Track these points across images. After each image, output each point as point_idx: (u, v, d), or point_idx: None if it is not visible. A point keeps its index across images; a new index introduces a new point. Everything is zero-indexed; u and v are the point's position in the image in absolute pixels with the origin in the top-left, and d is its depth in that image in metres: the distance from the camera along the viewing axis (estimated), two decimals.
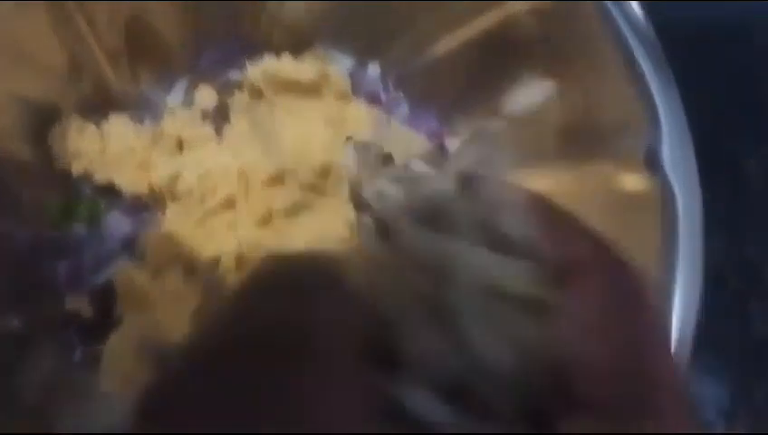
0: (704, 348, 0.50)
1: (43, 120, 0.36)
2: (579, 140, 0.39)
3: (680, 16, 0.42)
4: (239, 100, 0.37)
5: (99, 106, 0.37)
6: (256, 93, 0.36)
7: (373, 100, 0.41)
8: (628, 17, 0.36)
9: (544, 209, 0.23)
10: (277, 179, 0.34)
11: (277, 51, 0.40)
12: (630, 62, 0.35)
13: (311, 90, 0.35)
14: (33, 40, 0.34)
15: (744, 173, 0.52)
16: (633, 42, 0.35)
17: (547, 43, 0.38)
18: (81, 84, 0.37)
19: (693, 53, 0.49)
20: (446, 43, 0.41)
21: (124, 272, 0.33)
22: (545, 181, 0.41)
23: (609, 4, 0.35)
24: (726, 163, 0.51)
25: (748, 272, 0.51)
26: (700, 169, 0.49)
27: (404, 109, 0.42)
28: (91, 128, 0.36)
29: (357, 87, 0.41)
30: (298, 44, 0.41)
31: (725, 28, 0.49)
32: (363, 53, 0.42)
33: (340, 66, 0.41)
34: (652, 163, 0.35)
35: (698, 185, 0.35)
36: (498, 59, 0.40)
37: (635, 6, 0.36)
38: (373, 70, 0.41)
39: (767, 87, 0.52)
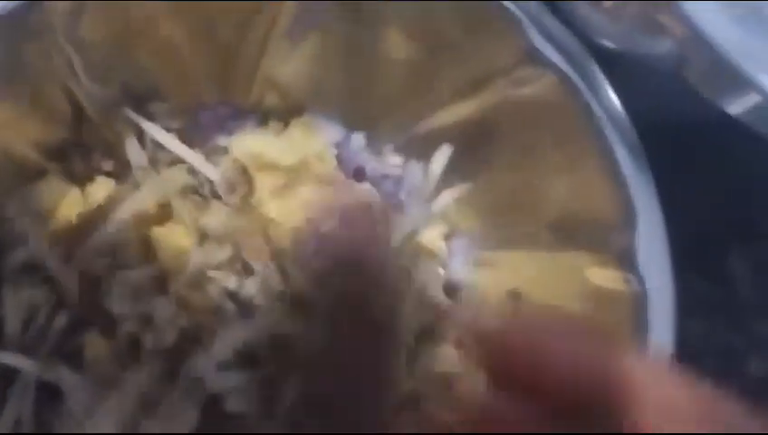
0: None
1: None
2: (555, 230, 0.40)
3: (662, 112, 0.42)
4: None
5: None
6: (240, 169, 0.37)
7: (358, 173, 0.42)
8: (608, 111, 0.36)
9: None
10: None
11: (266, 116, 0.41)
12: (609, 157, 0.36)
13: (292, 172, 0.36)
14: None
15: (729, 265, 0.52)
16: (612, 136, 0.36)
17: (526, 133, 0.38)
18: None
19: (676, 150, 0.49)
20: (431, 123, 0.42)
21: None
22: (523, 266, 0.42)
23: (588, 96, 0.36)
24: (711, 256, 0.51)
25: (728, 360, 0.51)
26: (683, 263, 0.50)
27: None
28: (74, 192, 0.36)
29: (342, 158, 0.41)
30: (288, 111, 0.42)
31: (710, 124, 0.50)
32: (352, 124, 0.42)
33: (327, 135, 0.41)
34: (627, 261, 0.35)
35: (671, 284, 0.35)
36: (475, 146, 0.41)
37: (614, 100, 0.36)
38: (357, 141, 0.41)
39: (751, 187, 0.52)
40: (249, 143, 0.37)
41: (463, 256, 0.43)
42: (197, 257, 0.34)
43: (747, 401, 0.48)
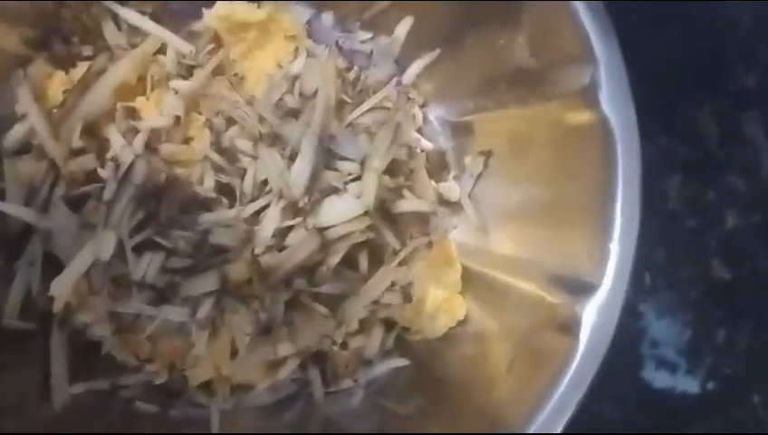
0: (662, 289, 0.53)
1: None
2: (526, 82, 0.41)
3: None
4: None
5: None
6: (216, 39, 0.39)
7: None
8: None
9: None
10: None
11: None
12: (568, 6, 0.37)
13: (262, 31, 0.37)
14: None
15: (700, 120, 0.53)
16: None
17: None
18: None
19: (648, 8, 0.51)
20: None
21: None
22: (500, 121, 0.44)
23: None
24: (683, 113, 0.53)
25: (707, 214, 0.53)
26: (659, 117, 0.52)
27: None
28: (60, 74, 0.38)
29: (314, 35, 0.43)
30: None
31: None
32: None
33: (297, 15, 0.42)
34: (590, 100, 0.37)
35: (634, 116, 0.37)
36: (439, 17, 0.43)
37: None
38: (327, 18, 0.43)
39: (718, 46, 0.53)
40: (220, 9, 0.38)
41: (437, 123, 0.45)
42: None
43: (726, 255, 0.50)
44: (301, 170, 0.34)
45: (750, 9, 0.54)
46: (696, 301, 0.52)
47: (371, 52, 0.44)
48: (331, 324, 0.36)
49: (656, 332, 0.52)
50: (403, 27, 0.43)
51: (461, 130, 0.46)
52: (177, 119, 0.36)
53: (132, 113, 0.36)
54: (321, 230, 0.34)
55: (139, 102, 0.37)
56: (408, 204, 0.38)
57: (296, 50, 0.39)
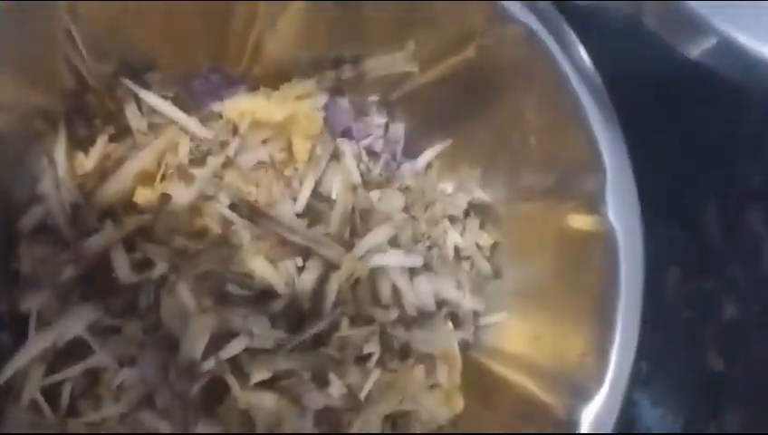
0: (657, 378, 0.53)
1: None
2: (536, 180, 0.42)
3: (635, 69, 0.44)
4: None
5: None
6: (232, 129, 0.40)
7: (345, 133, 0.44)
8: (578, 68, 0.38)
9: None
10: None
11: (256, 84, 0.44)
12: (578, 111, 0.38)
13: (281, 128, 0.38)
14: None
15: (703, 213, 0.54)
16: (581, 91, 0.38)
17: (501, 91, 0.41)
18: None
19: (649, 106, 0.52)
20: (412, 83, 0.44)
21: None
22: (508, 214, 0.45)
23: (558, 53, 0.38)
24: (686, 205, 0.54)
25: (704, 305, 0.54)
26: (660, 208, 0.53)
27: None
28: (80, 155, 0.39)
29: (331, 120, 0.44)
30: (277, 78, 0.44)
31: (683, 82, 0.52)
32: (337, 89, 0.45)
33: (314, 100, 0.43)
34: (597, 207, 0.38)
35: (639, 227, 0.38)
36: (455, 103, 0.43)
37: (584, 57, 0.38)
38: (342, 103, 0.44)
39: (725, 138, 0.54)
40: (241, 104, 0.39)
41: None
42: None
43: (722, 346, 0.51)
44: (307, 280, 0.35)
45: (759, 103, 0.55)
46: (690, 391, 0.53)
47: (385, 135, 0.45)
48: None
49: (649, 421, 0.53)
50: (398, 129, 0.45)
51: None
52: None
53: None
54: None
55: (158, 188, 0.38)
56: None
57: (313, 149, 0.39)
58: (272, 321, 0.35)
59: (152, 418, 0.34)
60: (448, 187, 0.45)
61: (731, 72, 0.33)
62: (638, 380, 0.52)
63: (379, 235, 0.37)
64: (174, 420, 0.34)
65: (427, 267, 0.40)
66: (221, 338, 0.34)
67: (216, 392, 0.35)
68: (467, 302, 0.41)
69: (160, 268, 0.36)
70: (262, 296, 0.36)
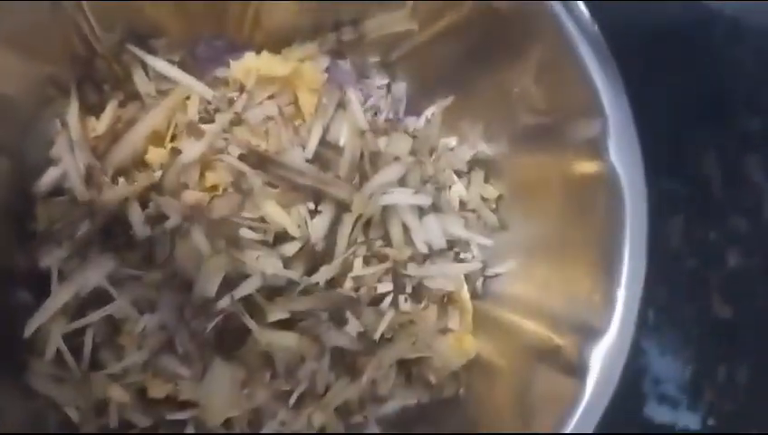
0: (664, 327, 0.54)
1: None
2: (539, 130, 0.43)
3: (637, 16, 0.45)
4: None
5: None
6: (240, 88, 0.41)
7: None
8: (578, 20, 0.39)
9: None
10: None
11: (258, 49, 0.44)
12: (577, 59, 0.39)
13: (286, 84, 0.39)
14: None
15: (703, 163, 0.55)
16: (581, 42, 0.39)
17: (501, 45, 0.42)
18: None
19: (651, 52, 0.53)
20: (412, 41, 0.45)
21: None
22: (512, 165, 0.45)
23: (555, 3, 0.38)
24: (687, 155, 0.55)
25: (708, 254, 0.55)
26: (662, 160, 0.54)
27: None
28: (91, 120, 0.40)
29: (333, 81, 0.44)
30: (277, 44, 0.45)
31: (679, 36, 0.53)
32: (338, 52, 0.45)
33: (316, 64, 0.44)
34: (599, 151, 0.39)
35: (642, 169, 0.39)
36: (456, 60, 0.44)
37: (582, 7, 0.39)
38: (344, 65, 0.45)
39: (722, 90, 0.55)
40: (245, 62, 0.40)
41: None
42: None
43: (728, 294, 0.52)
44: (320, 223, 0.36)
45: (754, 53, 0.55)
46: (698, 338, 0.54)
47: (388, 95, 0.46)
48: (354, 388, 0.37)
49: (658, 369, 0.53)
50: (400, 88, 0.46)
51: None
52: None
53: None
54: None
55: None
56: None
57: (319, 98, 0.40)
58: (286, 263, 0.36)
59: (173, 363, 0.35)
60: (451, 141, 0.46)
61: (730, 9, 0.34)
62: (646, 328, 0.53)
63: (388, 173, 0.38)
64: (193, 362, 0.35)
65: (435, 207, 0.41)
66: (236, 280, 0.35)
67: (238, 336, 0.36)
68: (476, 239, 0.41)
69: (174, 220, 0.37)
70: (276, 240, 0.37)
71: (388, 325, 0.38)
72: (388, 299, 0.38)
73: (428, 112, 0.46)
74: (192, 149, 0.38)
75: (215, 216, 0.36)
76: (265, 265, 0.35)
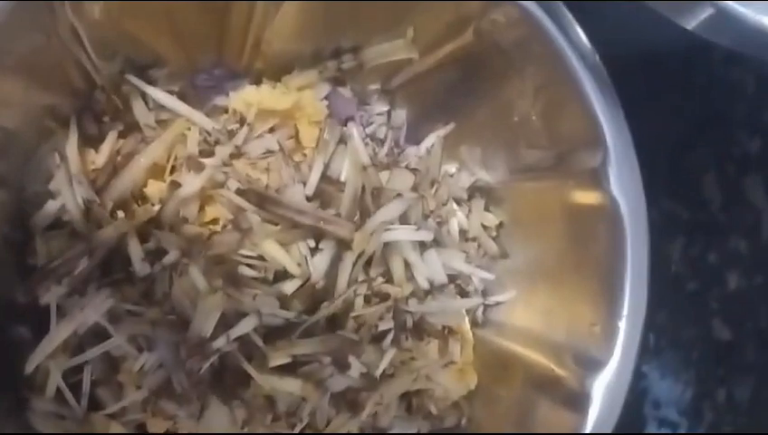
0: (665, 350, 0.54)
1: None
2: (540, 158, 0.43)
3: (636, 37, 0.45)
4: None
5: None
6: (239, 120, 0.41)
7: (348, 122, 0.45)
8: (576, 45, 0.39)
9: None
10: None
11: (258, 77, 0.44)
12: (577, 89, 0.39)
13: (287, 116, 0.39)
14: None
15: (703, 184, 0.55)
16: (579, 68, 0.39)
17: (501, 73, 0.41)
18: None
19: (650, 73, 0.53)
20: (413, 68, 0.45)
21: None
22: (513, 193, 0.46)
23: (555, 32, 0.38)
24: (686, 177, 0.55)
25: (709, 276, 0.55)
26: (662, 181, 0.54)
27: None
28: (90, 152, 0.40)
29: (334, 110, 0.44)
30: (278, 70, 0.45)
31: (679, 56, 0.53)
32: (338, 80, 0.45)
33: (316, 91, 0.44)
34: (600, 182, 0.39)
35: (643, 199, 0.39)
36: (456, 86, 0.44)
37: (581, 35, 0.39)
38: (345, 93, 0.45)
39: (722, 112, 0.55)
40: (245, 95, 0.40)
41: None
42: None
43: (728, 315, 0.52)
44: (320, 261, 0.36)
45: (754, 76, 0.55)
46: (698, 361, 0.54)
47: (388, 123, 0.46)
48: (355, 422, 0.37)
49: (658, 392, 0.54)
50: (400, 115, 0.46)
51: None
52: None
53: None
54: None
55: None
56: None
57: (321, 134, 0.40)
58: (286, 302, 0.36)
59: (170, 403, 0.35)
60: (451, 168, 0.46)
61: (727, 42, 0.34)
62: (647, 352, 0.53)
63: (390, 210, 0.38)
64: (191, 403, 0.35)
65: (436, 242, 0.41)
66: (233, 319, 0.35)
67: (239, 377, 0.36)
68: (477, 273, 0.41)
69: (172, 255, 0.36)
70: (276, 278, 0.37)
71: (389, 363, 0.38)
72: (390, 336, 0.38)
73: (428, 142, 0.46)
74: (191, 183, 0.37)
75: (213, 253, 0.36)
76: (262, 304, 0.35)
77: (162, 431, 0.37)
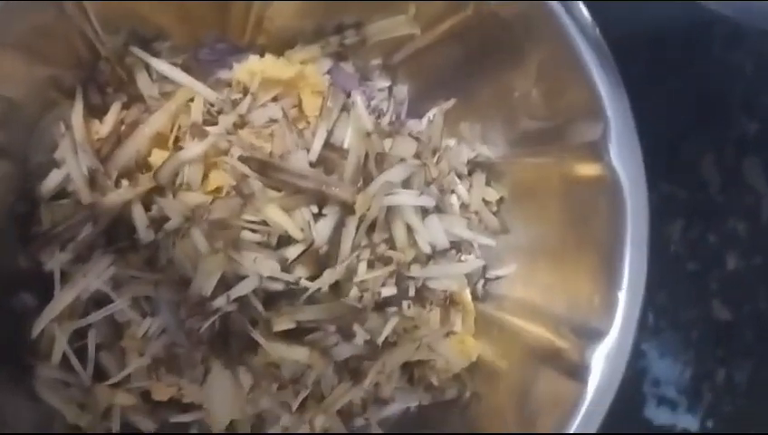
0: (664, 329, 0.54)
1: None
2: (540, 133, 0.43)
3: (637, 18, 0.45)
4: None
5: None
6: (244, 91, 0.41)
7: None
8: (579, 22, 0.39)
9: None
10: None
11: (261, 52, 0.44)
12: (578, 61, 0.39)
13: (290, 86, 0.39)
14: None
15: (702, 166, 0.55)
16: (582, 45, 0.39)
17: (503, 48, 0.42)
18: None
19: (651, 54, 0.53)
20: (414, 44, 0.45)
21: None
22: (513, 167, 0.46)
23: (556, 5, 0.38)
24: (686, 157, 0.55)
25: (708, 257, 0.55)
26: (661, 163, 0.54)
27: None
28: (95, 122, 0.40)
29: (335, 84, 0.44)
30: (280, 47, 0.45)
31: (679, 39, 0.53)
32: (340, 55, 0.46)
33: (318, 66, 0.44)
34: (600, 154, 0.39)
35: (642, 171, 0.39)
36: (457, 62, 0.44)
37: (583, 9, 0.39)
38: (347, 67, 0.45)
39: (722, 94, 0.56)
40: (249, 65, 0.40)
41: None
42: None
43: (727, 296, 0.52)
44: (324, 227, 0.36)
45: (753, 58, 0.56)
46: (697, 341, 0.54)
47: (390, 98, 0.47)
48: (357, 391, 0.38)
49: (658, 371, 0.54)
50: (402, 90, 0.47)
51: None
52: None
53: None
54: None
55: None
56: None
57: (324, 101, 0.40)
58: (288, 267, 0.36)
59: (174, 371, 0.35)
60: (452, 142, 0.46)
61: (730, 11, 0.34)
62: (647, 331, 0.54)
63: (393, 174, 0.38)
64: (194, 369, 0.35)
65: (438, 209, 0.41)
66: (235, 282, 0.35)
67: (244, 342, 0.36)
68: (479, 239, 0.42)
69: (175, 221, 0.37)
70: (280, 243, 0.37)
71: (392, 330, 0.38)
72: (393, 303, 0.39)
73: (430, 114, 0.46)
74: (193, 148, 0.38)
75: (215, 217, 0.36)
76: (263, 267, 0.35)
77: (166, 398, 0.37)
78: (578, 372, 0.38)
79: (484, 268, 0.45)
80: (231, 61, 0.44)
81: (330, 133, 0.39)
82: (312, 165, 0.38)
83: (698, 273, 0.55)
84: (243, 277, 0.36)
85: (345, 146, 0.39)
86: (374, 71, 0.47)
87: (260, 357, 0.37)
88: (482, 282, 0.44)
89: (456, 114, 0.47)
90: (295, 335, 0.37)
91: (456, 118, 0.47)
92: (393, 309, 0.39)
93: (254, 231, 0.37)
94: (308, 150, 0.38)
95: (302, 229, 0.37)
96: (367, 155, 0.39)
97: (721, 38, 0.55)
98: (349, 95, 0.44)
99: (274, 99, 0.41)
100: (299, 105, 0.41)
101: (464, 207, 0.45)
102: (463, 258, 0.44)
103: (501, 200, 0.46)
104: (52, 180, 0.38)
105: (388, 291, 0.38)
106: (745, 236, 0.56)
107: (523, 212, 0.46)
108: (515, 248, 0.45)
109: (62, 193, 0.39)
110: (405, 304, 0.39)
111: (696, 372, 0.54)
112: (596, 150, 0.39)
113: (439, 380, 0.42)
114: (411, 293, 0.39)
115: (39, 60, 0.39)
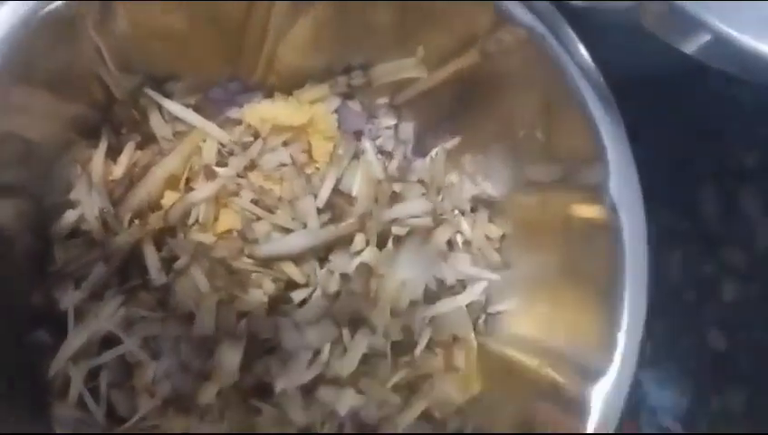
0: (662, 359, 0.55)
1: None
2: (543, 172, 0.44)
3: (631, 63, 0.46)
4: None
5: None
6: (253, 133, 0.42)
7: (357, 135, 0.46)
8: (579, 64, 0.40)
9: None
10: None
11: (270, 91, 0.46)
12: (580, 105, 0.40)
13: (300, 130, 0.40)
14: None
15: (700, 197, 0.56)
16: (583, 86, 0.40)
17: (506, 90, 0.43)
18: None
19: (647, 98, 0.54)
20: (421, 84, 0.46)
21: None
22: (517, 206, 0.47)
23: (560, 51, 0.39)
24: (685, 190, 0.56)
25: (704, 287, 0.56)
26: (657, 198, 0.55)
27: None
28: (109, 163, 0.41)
29: (343, 123, 0.46)
30: (290, 84, 0.46)
31: (679, 73, 0.54)
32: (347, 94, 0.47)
33: (326, 105, 0.45)
34: (601, 197, 0.40)
35: (642, 215, 0.40)
36: (462, 102, 0.46)
37: (584, 54, 0.40)
38: (354, 106, 0.46)
39: (720, 127, 0.56)
40: (261, 110, 0.41)
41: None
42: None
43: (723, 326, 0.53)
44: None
45: (751, 92, 0.56)
46: (695, 370, 0.55)
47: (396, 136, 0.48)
48: None
49: (655, 399, 0.55)
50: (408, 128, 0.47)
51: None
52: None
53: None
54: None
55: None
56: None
57: (334, 149, 0.41)
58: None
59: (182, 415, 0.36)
60: (455, 178, 0.47)
61: (726, 67, 0.35)
62: (644, 361, 0.54)
63: (411, 207, 0.39)
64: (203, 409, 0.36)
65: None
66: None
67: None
68: (483, 275, 0.42)
69: (183, 260, 0.38)
70: (287, 287, 0.38)
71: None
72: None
73: (433, 153, 0.47)
74: (204, 189, 0.39)
75: (216, 255, 0.37)
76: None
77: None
78: (577, 409, 0.39)
79: (486, 303, 0.46)
80: (241, 100, 0.45)
81: (338, 181, 0.40)
82: (319, 211, 0.39)
83: (695, 302, 0.56)
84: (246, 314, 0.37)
85: (353, 194, 0.40)
86: (380, 109, 0.48)
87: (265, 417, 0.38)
88: (483, 317, 0.45)
89: (459, 151, 0.48)
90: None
91: (459, 155, 0.48)
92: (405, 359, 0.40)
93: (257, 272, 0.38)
94: (315, 196, 0.39)
95: (308, 276, 0.38)
96: (376, 201, 0.39)
97: (719, 72, 0.56)
98: (357, 136, 0.45)
99: (284, 143, 0.42)
100: (308, 150, 0.42)
101: (467, 243, 0.46)
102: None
103: (503, 237, 0.47)
104: (67, 220, 0.39)
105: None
106: (743, 265, 0.56)
107: (525, 249, 0.46)
108: (516, 284, 0.46)
109: (76, 232, 0.40)
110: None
111: (692, 401, 0.55)
112: (597, 193, 0.40)
113: (441, 413, 0.43)
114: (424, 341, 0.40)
115: (57, 102, 0.39)
